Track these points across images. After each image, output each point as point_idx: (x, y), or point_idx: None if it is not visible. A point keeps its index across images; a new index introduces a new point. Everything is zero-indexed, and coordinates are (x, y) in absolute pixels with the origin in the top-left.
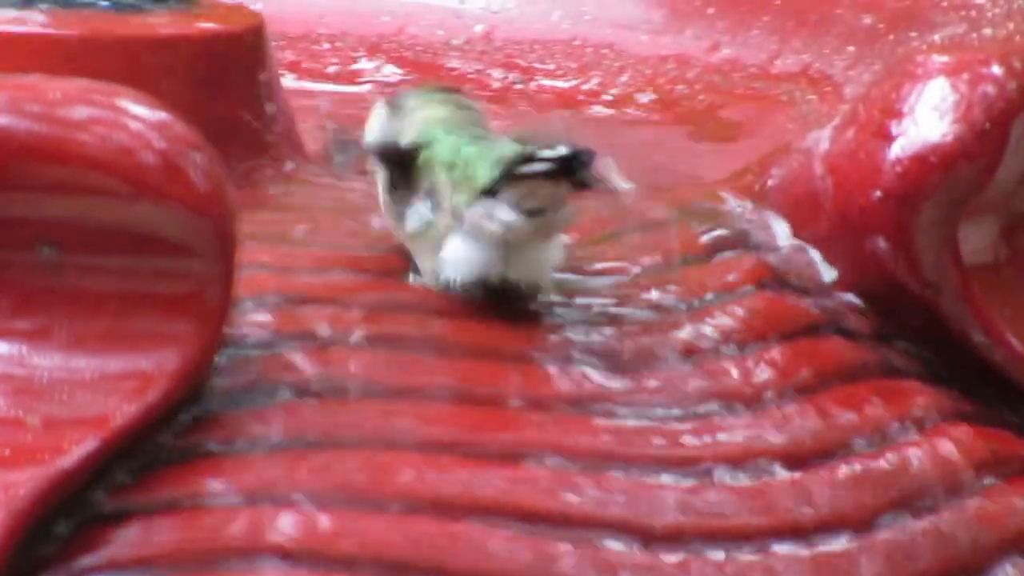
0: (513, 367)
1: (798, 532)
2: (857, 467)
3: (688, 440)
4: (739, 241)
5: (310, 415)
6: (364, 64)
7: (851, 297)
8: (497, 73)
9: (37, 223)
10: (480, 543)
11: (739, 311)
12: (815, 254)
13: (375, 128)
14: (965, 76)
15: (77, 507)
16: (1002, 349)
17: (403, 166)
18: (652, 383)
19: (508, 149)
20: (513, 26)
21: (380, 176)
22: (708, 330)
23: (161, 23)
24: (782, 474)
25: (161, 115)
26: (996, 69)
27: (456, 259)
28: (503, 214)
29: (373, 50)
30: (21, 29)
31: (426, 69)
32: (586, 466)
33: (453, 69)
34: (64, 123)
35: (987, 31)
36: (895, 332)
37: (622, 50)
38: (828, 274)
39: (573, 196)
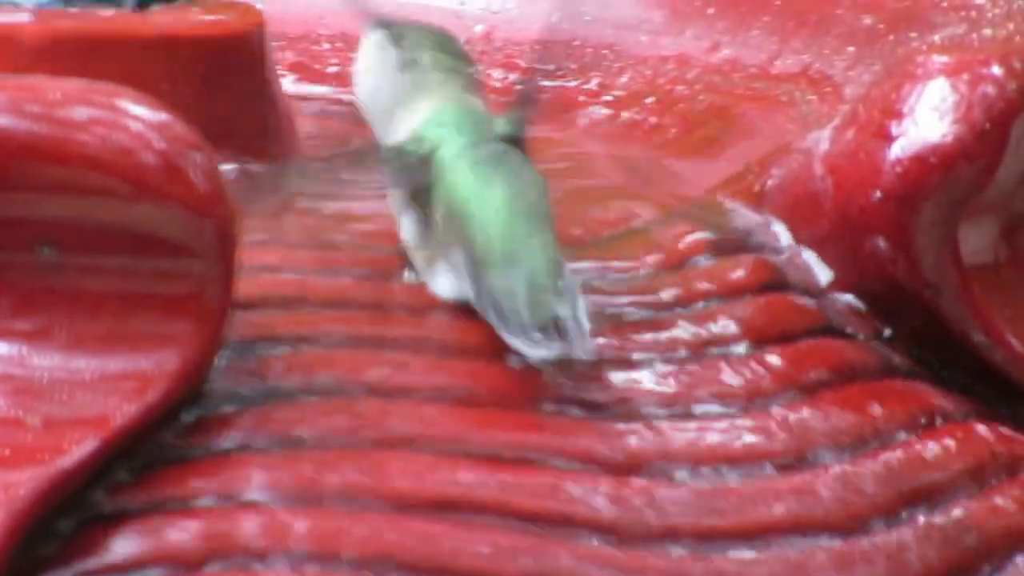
0: (513, 368)
1: (799, 533)
2: (856, 468)
3: (688, 442)
4: (740, 242)
5: (310, 416)
6: None
7: (851, 298)
8: (497, 73)
9: (37, 223)
10: (481, 543)
11: (740, 312)
12: (814, 255)
13: (373, 77)
14: (965, 76)
15: (77, 507)
16: (1002, 349)
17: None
18: (652, 384)
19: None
20: (513, 26)
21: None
22: (708, 331)
23: (161, 22)
24: (782, 475)
25: (161, 115)
26: (996, 70)
27: (447, 285)
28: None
29: None
30: (21, 28)
31: None
32: (586, 467)
33: None
34: (64, 123)
35: (987, 32)
36: (895, 332)
37: (622, 51)
38: (827, 275)
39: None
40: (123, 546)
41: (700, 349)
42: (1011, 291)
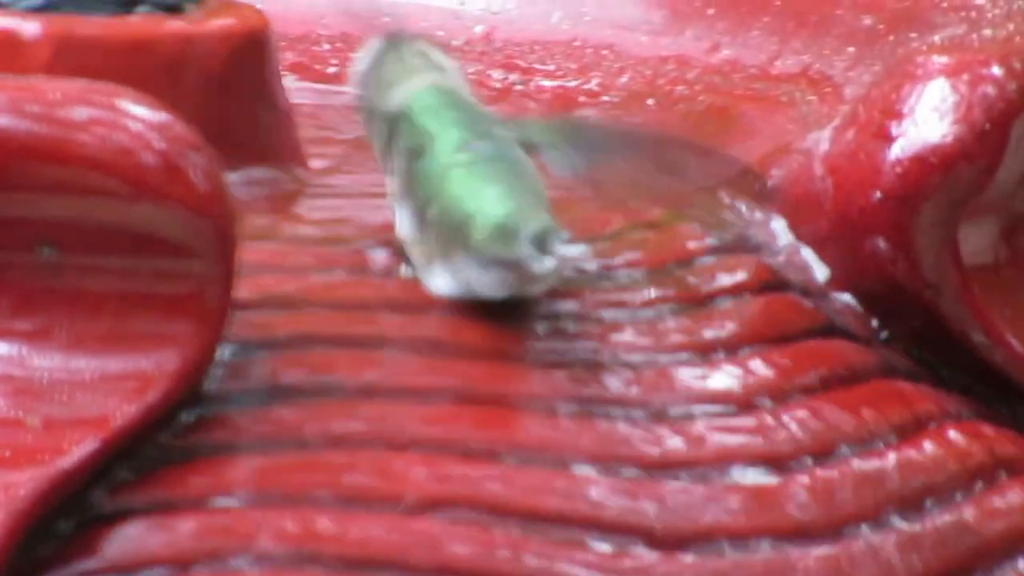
0: (513, 367)
1: (800, 534)
2: (857, 469)
3: (687, 442)
4: (739, 242)
5: (310, 416)
6: None
7: (851, 298)
8: (497, 74)
9: (37, 223)
10: (481, 544)
11: (739, 313)
12: (814, 255)
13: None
14: (965, 77)
15: (77, 508)
16: (1002, 350)
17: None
18: (651, 384)
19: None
20: (513, 27)
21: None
22: (708, 331)
23: (162, 23)
24: (782, 476)
25: (161, 116)
26: (996, 70)
27: (444, 283)
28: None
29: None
30: (22, 29)
31: None
32: (587, 467)
33: None
34: (64, 124)
35: (987, 32)
36: (895, 333)
37: (622, 51)
38: (826, 275)
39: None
40: (123, 547)
41: (699, 349)
42: (1011, 292)
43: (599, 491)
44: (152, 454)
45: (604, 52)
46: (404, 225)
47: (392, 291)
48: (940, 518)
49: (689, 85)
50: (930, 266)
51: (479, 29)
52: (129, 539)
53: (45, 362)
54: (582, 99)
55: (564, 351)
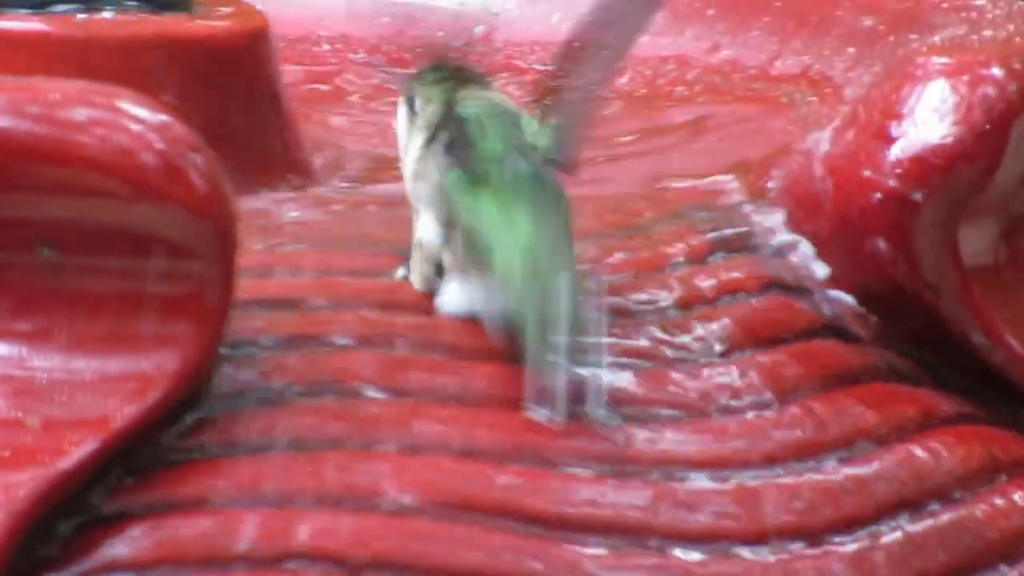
0: (514, 367)
1: (800, 535)
2: (857, 470)
3: (687, 443)
4: (739, 243)
5: (310, 417)
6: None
7: (851, 299)
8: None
9: (37, 224)
10: (482, 544)
11: (738, 313)
12: (815, 256)
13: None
14: (965, 78)
15: (77, 508)
16: (1002, 351)
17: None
18: (650, 385)
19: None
20: (513, 27)
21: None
22: (707, 332)
23: (162, 24)
24: (781, 477)
25: (161, 117)
26: (996, 71)
27: (454, 302)
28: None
29: (373, 52)
30: (22, 29)
31: None
32: (587, 468)
33: None
34: (64, 124)
35: (987, 33)
36: (895, 334)
37: None
38: (826, 276)
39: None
40: (123, 547)
41: (699, 350)
42: (1011, 292)
43: (599, 492)
44: (152, 456)
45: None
46: (428, 232)
47: (393, 292)
48: (940, 518)
49: (689, 85)
50: (930, 267)
51: (479, 30)
52: (129, 540)
53: (45, 363)
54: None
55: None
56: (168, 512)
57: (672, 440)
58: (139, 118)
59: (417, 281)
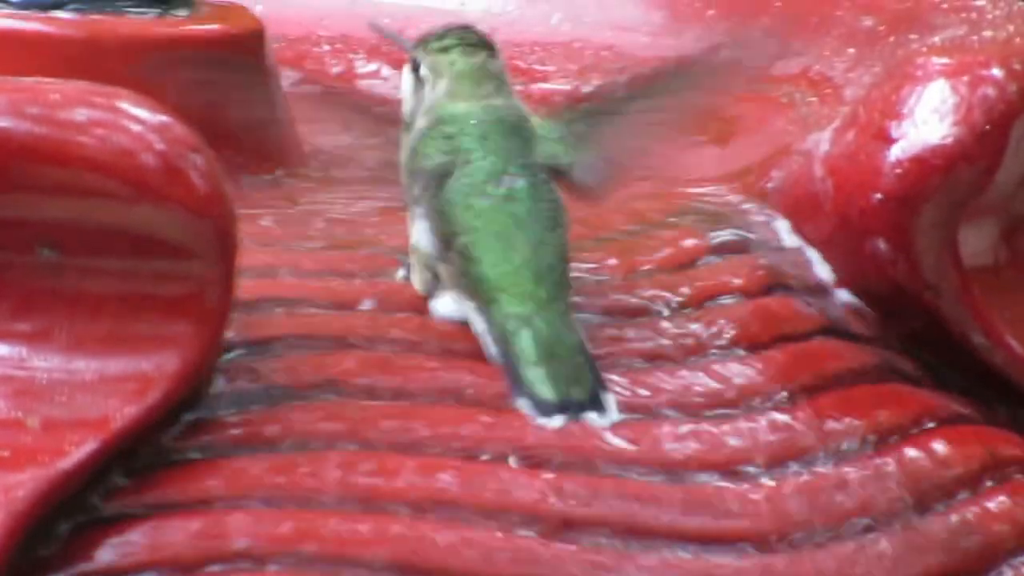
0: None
1: (800, 535)
2: (857, 470)
3: (688, 443)
4: (740, 243)
5: (310, 418)
6: (364, 67)
7: (851, 299)
8: None
9: (37, 225)
10: (481, 544)
11: (739, 314)
12: (815, 256)
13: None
14: (965, 78)
15: (77, 509)
16: (1002, 351)
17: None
18: (651, 386)
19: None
20: (513, 28)
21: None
22: (708, 332)
23: (161, 24)
24: (782, 477)
25: (161, 117)
26: (996, 71)
27: (449, 308)
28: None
29: (373, 52)
30: (22, 29)
31: None
32: (586, 468)
33: None
34: (64, 125)
35: (987, 33)
36: (895, 334)
37: (622, 52)
38: (827, 276)
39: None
40: (122, 548)
41: (700, 350)
42: (1011, 293)
43: (599, 493)
44: (152, 456)
45: (604, 53)
46: (422, 238)
47: (392, 293)
48: (941, 519)
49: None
50: (930, 267)
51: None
52: (129, 541)
53: (45, 363)
54: (582, 100)
55: None
56: (168, 512)
57: (672, 440)
58: (139, 118)
59: (417, 283)
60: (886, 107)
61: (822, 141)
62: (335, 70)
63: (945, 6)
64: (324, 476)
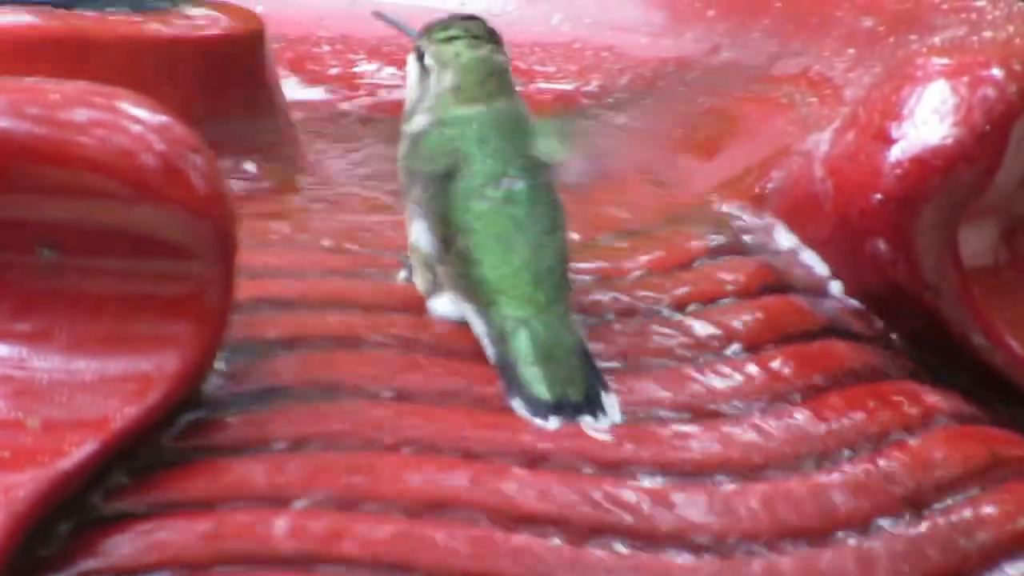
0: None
1: (800, 535)
2: (857, 470)
3: (688, 444)
4: (740, 244)
5: (310, 418)
6: (364, 67)
7: (851, 300)
8: None
9: (37, 225)
10: (483, 546)
11: (740, 315)
12: (815, 257)
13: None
14: (965, 79)
15: (77, 509)
16: (1002, 352)
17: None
18: (651, 386)
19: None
20: (513, 29)
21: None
22: (708, 334)
23: (161, 24)
24: (782, 477)
25: (161, 117)
26: (996, 72)
27: (448, 308)
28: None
29: (373, 53)
30: (21, 29)
31: None
32: (586, 469)
33: None
34: (64, 125)
35: (987, 34)
36: (895, 335)
37: (622, 53)
38: (827, 277)
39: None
40: (123, 549)
41: (700, 351)
42: (1011, 293)
43: (599, 493)
44: (152, 456)
45: (604, 54)
46: (421, 239)
47: (392, 293)
48: (941, 519)
49: (689, 87)
50: (930, 268)
51: None
52: (129, 541)
53: (45, 364)
54: (583, 101)
55: None
56: (168, 513)
57: (672, 441)
58: (139, 119)
59: (419, 283)
60: (886, 108)
61: (822, 142)
62: (335, 70)
63: (945, 7)
64: (324, 476)
